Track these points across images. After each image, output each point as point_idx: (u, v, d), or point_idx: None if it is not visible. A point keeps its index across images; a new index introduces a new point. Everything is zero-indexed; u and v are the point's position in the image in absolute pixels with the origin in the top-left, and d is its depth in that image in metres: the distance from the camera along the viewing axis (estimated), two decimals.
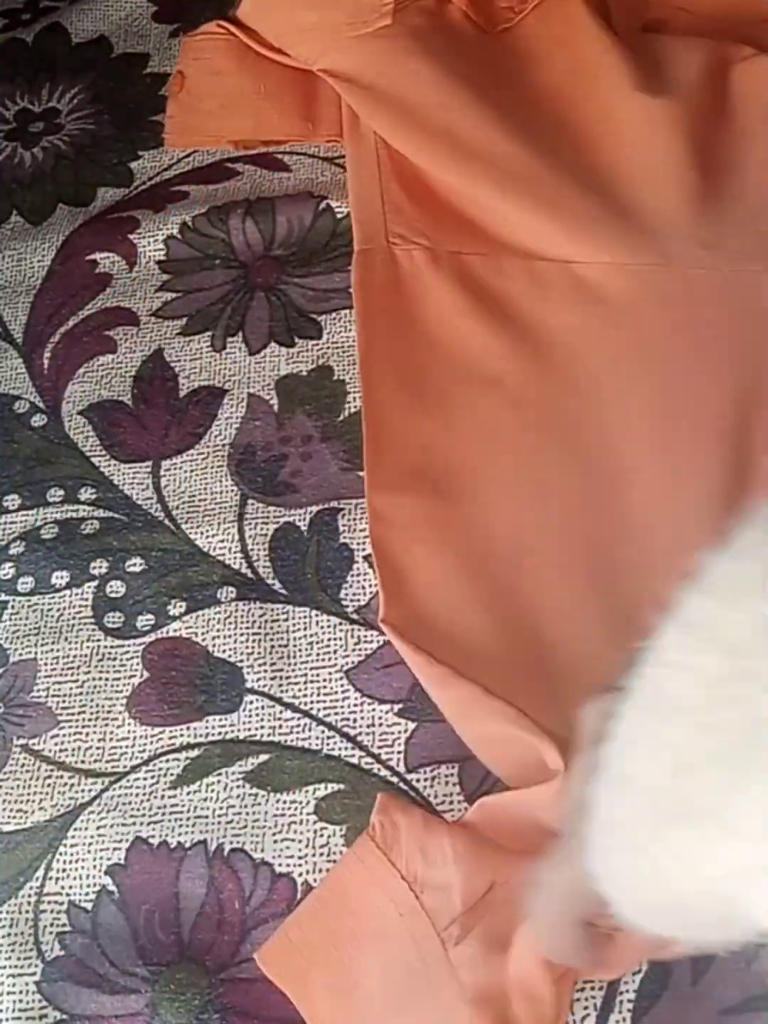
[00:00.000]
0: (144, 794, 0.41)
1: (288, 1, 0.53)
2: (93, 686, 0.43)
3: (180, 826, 0.40)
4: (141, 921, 0.39)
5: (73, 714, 0.43)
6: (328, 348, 0.50)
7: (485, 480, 0.43)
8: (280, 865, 0.39)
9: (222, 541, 0.46)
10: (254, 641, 0.43)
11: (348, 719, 0.41)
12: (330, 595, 0.44)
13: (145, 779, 0.41)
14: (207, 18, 0.59)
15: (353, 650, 0.42)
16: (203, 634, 0.44)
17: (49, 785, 0.42)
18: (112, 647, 0.44)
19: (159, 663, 0.43)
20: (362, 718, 0.41)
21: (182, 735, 0.41)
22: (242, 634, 0.43)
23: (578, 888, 0.31)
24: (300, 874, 0.39)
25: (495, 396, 0.45)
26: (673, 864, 0.27)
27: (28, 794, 0.42)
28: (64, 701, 0.43)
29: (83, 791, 0.41)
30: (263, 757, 0.41)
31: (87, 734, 0.43)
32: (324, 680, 0.42)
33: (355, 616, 0.43)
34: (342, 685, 0.42)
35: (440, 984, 0.35)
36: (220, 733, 0.42)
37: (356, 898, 0.36)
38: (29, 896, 0.40)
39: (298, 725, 0.41)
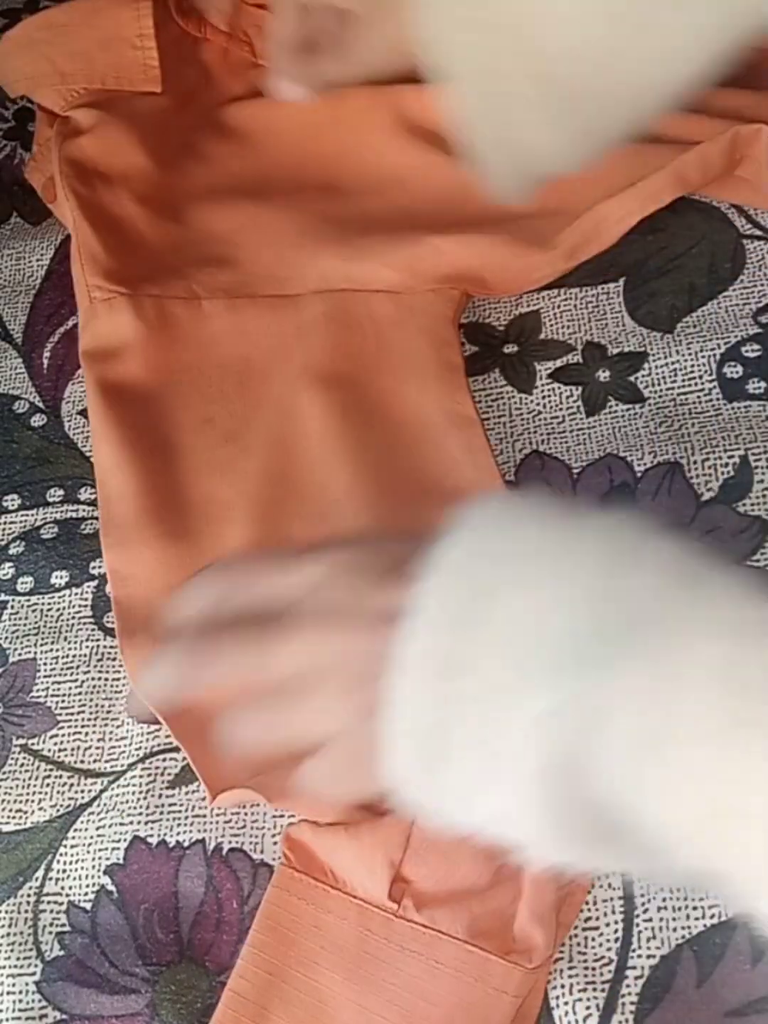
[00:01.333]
0: (142, 793, 0.41)
1: (49, 47, 0.53)
2: (93, 686, 0.43)
3: (179, 825, 0.40)
4: (140, 920, 0.39)
5: (73, 714, 0.43)
6: None
7: (214, 514, 0.44)
8: (279, 865, 0.39)
9: None
10: None
11: None
12: None
13: (143, 778, 0.41)
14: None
15: None
16: None
17: (49, 785, 0.42)
18: (112, 647, 0.44)
19: None
20: None
21: None
22: None
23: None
24: None
25: (209, 435, 0.46)
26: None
27: (28, 794, 0.42)
28: (64, 701, 0.43)
29: (83, 791, 0.41)
30: None
31: (87, 734, 0.42)
32: None
33: None
34: None
35: (416, 951, 0.35)
36: None
37: (292, 927, 0.36)
38: (29, 896, 0.40)
39: None
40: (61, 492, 0.48)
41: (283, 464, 0.45)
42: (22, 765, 0.42)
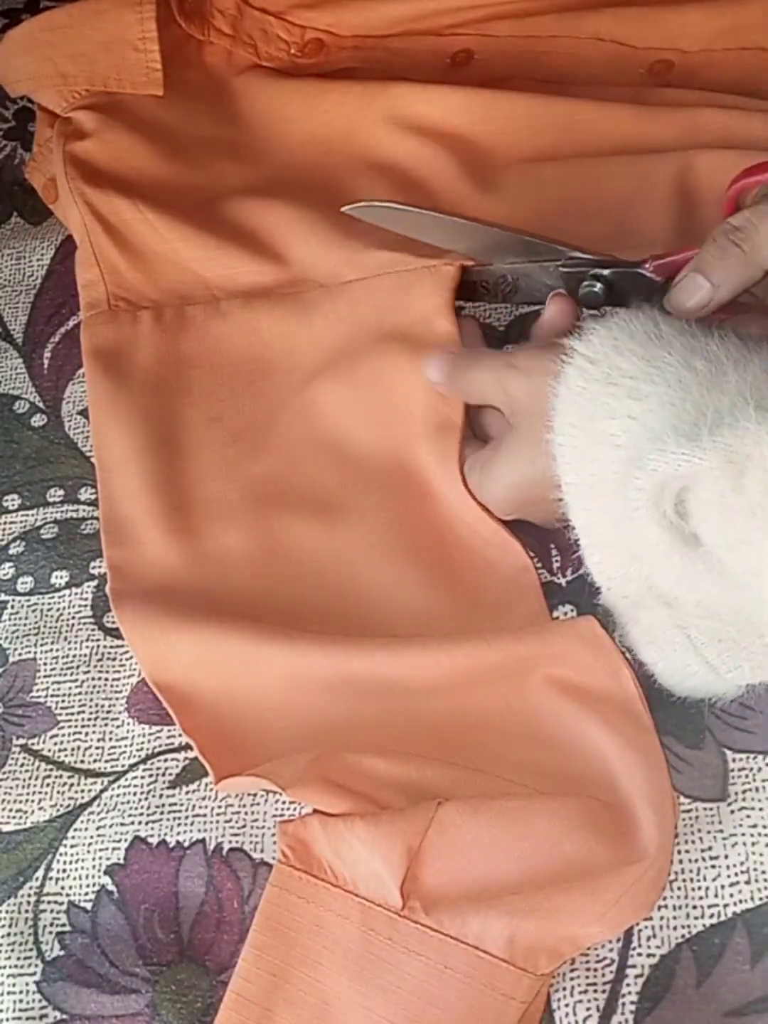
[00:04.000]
0: (142, 793, 0.41)
1: (50, 49, 0.53)
2: (92, 686, 0.43)
3: (179, 825, 0.40)
4: (141, 920, 0.39)
5: (73, 714, 0.43)
6: None
7: (215, 514, 0.45)
8: (276, 863, 0.39)
9: None
10: None
11: None
12: None
13: (144, 778, 0.41)
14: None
15: None
16: None
17: (49, 785, 0.42)
18: (112, 647, 0.44)
19: None
20: None
21: (181, 734, 0.41)
22: None
23: None
24: None
25: (217, 433, 0.46)
26: None
27: (28, 794, 0.42)
28: (64, 701, 0.43)
29: (83, 791, 0.41)
30: None
31: (87, 734, 0.42)
32: None
33: None
34: None
35: (423, 955, 0.35)
36: None
37: (293, 926, 0.36)
38: (29, 896, 0.40)
39: None
40: (61, 492, 0.48)
41: (287, 466, 0.45)
42: (22, 765, 0.42)
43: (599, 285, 0.42)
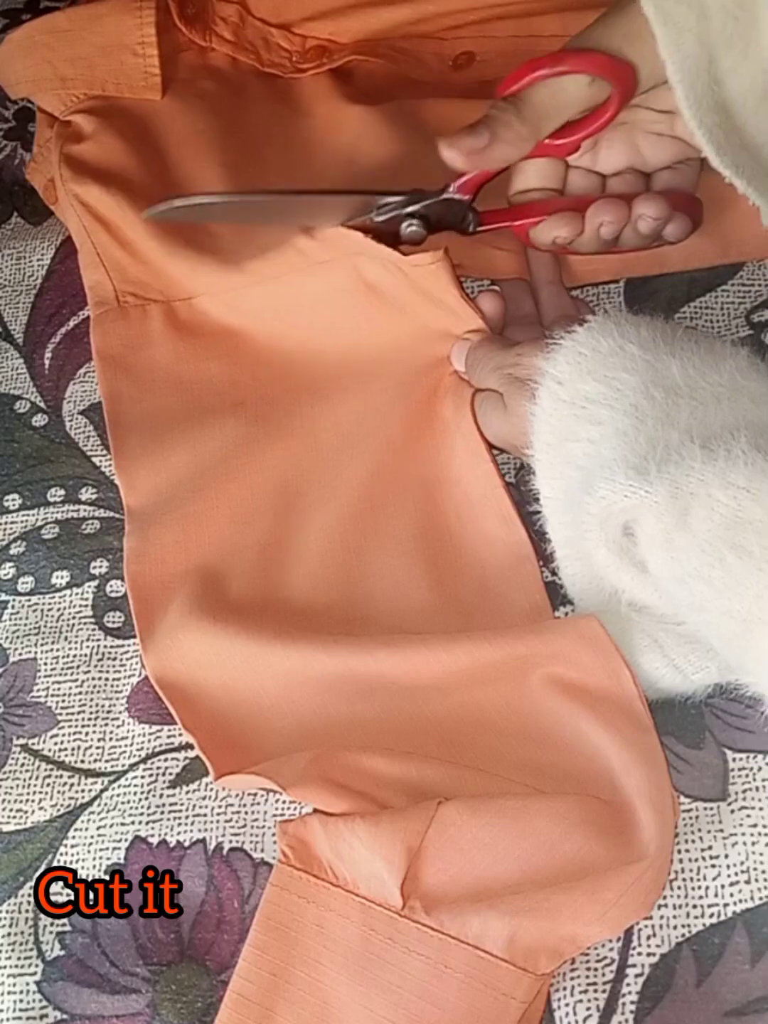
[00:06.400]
0: (143, 793, 0.41)
1: (50, 52, 0.53)
2: (93, 686, 0.43)
3: (179, 825, 0.40)
4: (140, 920, 0.39)
5: (73, 714, 0.43)
6: None
7: (236, 501, 0.45)
8: (277, 863, 0.39)
9: None
10: None
11: None
12: None
13: (144, 778, 0.41)
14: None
15: None
16: None
17: (49, 785, 0.42)
18: (112, 647, 0.44)
19: None
20: None
21: (181, 733, 0.41)
22: None
23: None
24: None
25: (241, 417, 0.47)
26: None
27: (28, 794, 0.42)
28: (64, 701, 0.43)
29: (83, 791, 0.41)
30: None
31: (87, 734, 0.43)
32: None
33: None
34: None
35: (423, 954, 0.35)
36: None
37: (293, 926, 0.36)
38: (29, 896, 0.40)
39: None
40: (62, 492, 0.48)
41: (308, 455, 0.45)
42: (22, 765, 0.42)
43: (417, 222, 0.43)
